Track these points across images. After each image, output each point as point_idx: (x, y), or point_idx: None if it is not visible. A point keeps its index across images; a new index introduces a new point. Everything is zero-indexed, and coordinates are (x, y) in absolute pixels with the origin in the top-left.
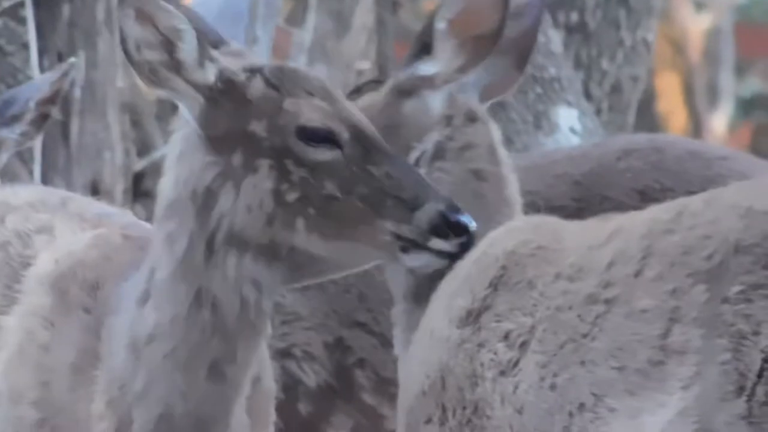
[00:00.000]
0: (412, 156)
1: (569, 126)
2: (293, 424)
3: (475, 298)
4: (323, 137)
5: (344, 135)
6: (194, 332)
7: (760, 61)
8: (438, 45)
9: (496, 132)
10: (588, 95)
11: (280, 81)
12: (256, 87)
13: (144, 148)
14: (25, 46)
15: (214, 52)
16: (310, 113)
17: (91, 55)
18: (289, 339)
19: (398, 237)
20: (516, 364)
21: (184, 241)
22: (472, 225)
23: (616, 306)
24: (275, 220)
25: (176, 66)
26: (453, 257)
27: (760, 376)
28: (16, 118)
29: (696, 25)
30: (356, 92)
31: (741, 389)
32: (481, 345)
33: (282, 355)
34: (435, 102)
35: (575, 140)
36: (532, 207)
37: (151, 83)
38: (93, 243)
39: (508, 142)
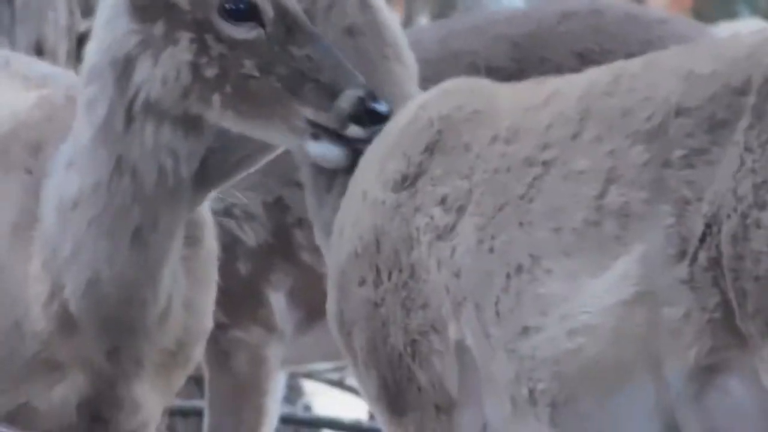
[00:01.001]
0: None
1: None
2: (232, 283)
3: (410, 162)
4: (247, 15)
5: (269, 13)
6: (116, 199)
7: None
8: None
9: None
10: None
11: None
12: None
13: (88, 9)
14: None
15: None
16: None
17: None
18: (228, 200)
19: (313, 124)
20: (453, 227)
21: (104, 107)
22: (390, 112)
23: (553, 167)
24: (191, 94)
25: None
26: (360, 147)
27: (702, 241)
28: None
29: None
30: None
31: (683, 254)
32: (417, 209)
33: (221, 214)
34: None
35: (517, 2)
36: (472, 67)
37: None
38: (36, 103)
39: (451, 2)
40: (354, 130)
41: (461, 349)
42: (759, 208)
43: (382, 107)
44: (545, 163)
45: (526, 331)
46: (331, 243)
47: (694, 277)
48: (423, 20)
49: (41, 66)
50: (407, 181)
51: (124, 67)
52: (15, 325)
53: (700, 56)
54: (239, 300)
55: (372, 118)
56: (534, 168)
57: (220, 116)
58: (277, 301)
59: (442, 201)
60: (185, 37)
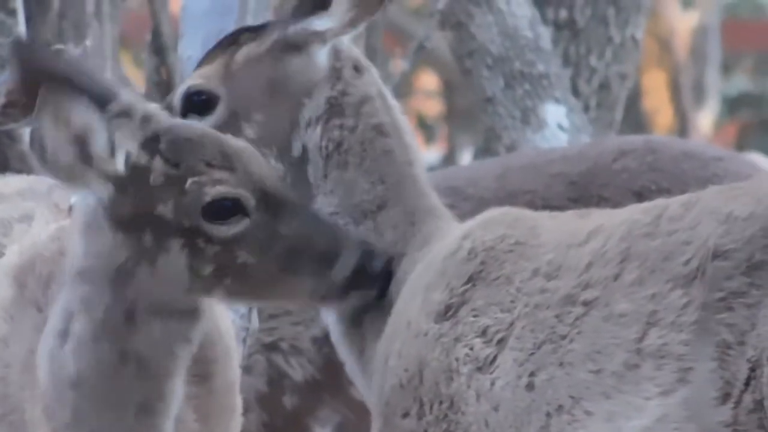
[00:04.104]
0: (305, 114)
1: (557, 122)
2: (279, 418)
3: (453, 292)
4: (230, 212)
5: (250, 202)
6: (120, 382)
7: (746, 59)
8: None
9: (379, 79)
10: (576, 92)
11: (179, 157)
12: (157, 170)
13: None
14: None
15: (117, 134)
16: (214, 190)
17: (80, 46)
18: (276, 333)
19: (316, 293)
20: (493, 360)
21: (101, 308)
22: (388, 265)
23: (594, 309)
24: (194, 291)
25: (88, 160)
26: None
27: (747, 384)
28: None
29: (683, 23)
30: (233, 44)
31: (727, 396)
32: (457, 339)
33: (269, 348)
34: (322, 56)
35: (563, 137)
36: (530, 207)
37: (66, 183)
38: (55, 235)
39: (496, 137)
40: (356, 296)
41: None
42: None
43: (380, 263)
44: (586, 303)
45: None
46: (375, 374)
47: (738, 419)
48: (466, 156)
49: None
50: (450, 312)
51: (119, 276)
52: None
53: (739, 197)
54: None
55: (371, 281)
56: (575, 307)
57: (228, 302)
58: None
59: (483, 332)
60: (176, 244)
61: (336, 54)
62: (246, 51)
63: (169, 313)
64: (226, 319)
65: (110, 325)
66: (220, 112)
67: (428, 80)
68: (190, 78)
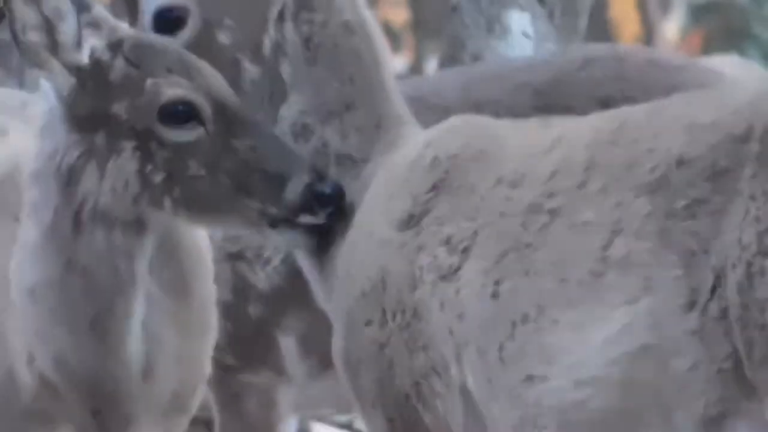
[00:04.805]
0: (274, 11)
1: (521, 30)
2: (243, 326)
3: (416, 201)
4: (186, 117)
5: (207, 111)
6: (68, 294)
7: None
8: None
9: None
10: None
11: (140, 59)
12: (118, 68)
13: None
14: None
15: (86, 31)
16: (171, 91)
17: None
18: (241, 242)
19: (265, 214)
20: (457, 269)
21: (49, 212)
22: (340, 192)
23: (559, 217)
24: (141, 200)
25: (54, 47)
26: (322, 228)
27: (712, 292)
28: None
29: None
30: None
31: (692, 304)
32: (421, 248)
33: (234, 257)
34: None
35: (528, 45)
36: (495, 117)
37: (32, 64)
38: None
39: (461, 46)
40: (306, 218)
41: (464, 391)
42: (763, 256)
43: (330, 189)
44: (551, 212)
45: (530, 379)
46: (336, 283)
47: (705, 328)
48: (432, 64)
49: None
50: (412, 221)
51: (68, 177)
52: (9, 373)
53: (702, 105)
54: (250, 344)
55: (321, 203)
56: (539, 216)
57: (173, 217)
58: (288, 346)
59: (447, 241)
60: (128, 146)
61: None
62: None
63: (114, 222)
64: (203, 236)
65: (57, 232)
66: (192, 25)
67: None
68: None
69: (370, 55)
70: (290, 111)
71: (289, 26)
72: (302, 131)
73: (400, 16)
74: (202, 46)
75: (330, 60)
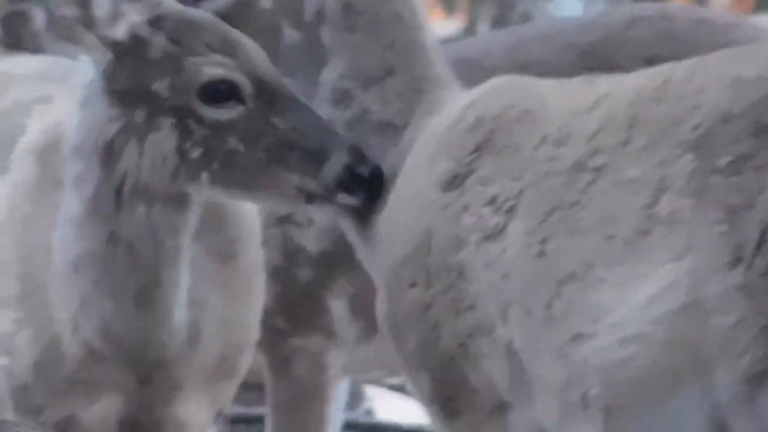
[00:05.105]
0: None
1: None
2: (293, 290)
3: (460, 162)
4: (227, 95)
5: (247, 89)
6: (113, 267)
7: None
8: None
9: None
10: None
11: (182, 36)
12: (158, 45)
13: None
14: None
15: (125, 5)
16: (212, 71)
17: None
18: None
19: (303, 190)
20: (503, 229)
21: (91, 186)
22: (378, 175)
23: (603, 175)
24: (179, 175)
25: (90, 22)
26: (359, 209)
27: (758, 247)
28: None
29: None
30: None
31: (738, 260)
32: (465, 208)
33: (283, 221)
34: None
35: (577, 4)
36: (542, 77)
37: (66, 39)
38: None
39: (510, 6)
40: (344, 198)
41: (510, 351)
42: None
43: (370, 171)
44: (595, 170)
45: (577, 337)
46: (379, 246)
47: (750, 283)
48: (484, 27)
49: None
50: (456, 181)
51: (108, 152)
52: (54, 341)
53: (747, 61)
54: (300, 307)
55: (360, 184)
56: (584, 174)
57: (210, 192)
58: (338, 308)
59: (492, 201)
60: (167, 123)
61: None
62: None
63: (154, 196)
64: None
65: (99, 205)
66: None
67: None
68: None
69: (411, 19)
70: (330, 76)
71: None
72: (342, 97)
73: None
74: (243, 10)
75: (371, 26)
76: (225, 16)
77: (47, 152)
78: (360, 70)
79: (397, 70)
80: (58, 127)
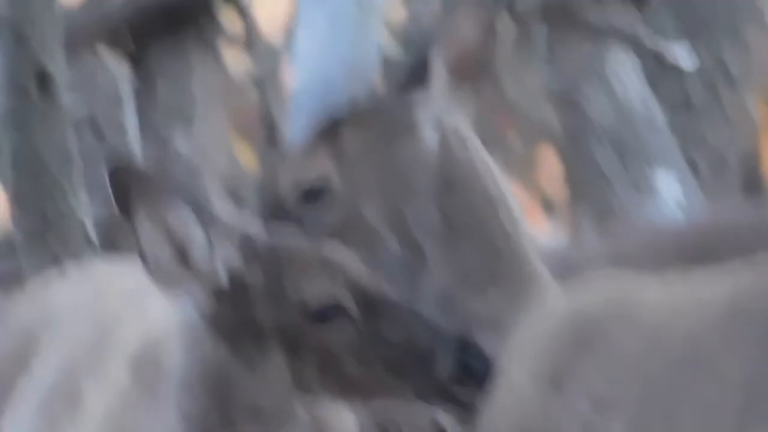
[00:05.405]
0: (417, 190)
1: (668, 190)
2: None
3: (559, 359)
4: (331, 316)
5: (351, 305)
6: None
7: None
8: (434, 78)
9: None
10: (691, 163)
11: (278, 263)
12: (256, 275)
13: None
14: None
15: (220, 251)
16: (313, 290)
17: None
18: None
19: (422, 393)
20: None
21: (200, 420)
22: (489, 362)
23: (703, 375)
24: (295, 394)
25: (188, 266)
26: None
27: None
28: None
29: None
30: (337, 130)
31: None
32: (565, 408)
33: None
34: (429, 131)
35: (674, 204)
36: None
37: (164, 283)
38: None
39: (609, 211)
40: (459, 391)
41: None
42: None
43: (480, 360)
44: (695, 370)
45: None
46: None
47: None
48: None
49: None
50: (555, 379)
51: (220, 384)
52: None
53: None
54: None
55: (472, 377)
56: (684, 375)
57: (328, 403)
58: None
59: (591, 400)
60: (276, 348)
61: (440, 126)
62: (354, 137)
63: (270, 416)
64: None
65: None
66: (334, 200)
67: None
68: (297, 168)
69: (511, 227)
70: (433, 284)
71: (431, 204)
72: (447, 304)
73: (556, 187)
74: (345, 218)
75: (472, 236)
76: (332, 228)
77: (142, 361)
78: (464, 278)
79: (498, 275)
80: (157, 347)
